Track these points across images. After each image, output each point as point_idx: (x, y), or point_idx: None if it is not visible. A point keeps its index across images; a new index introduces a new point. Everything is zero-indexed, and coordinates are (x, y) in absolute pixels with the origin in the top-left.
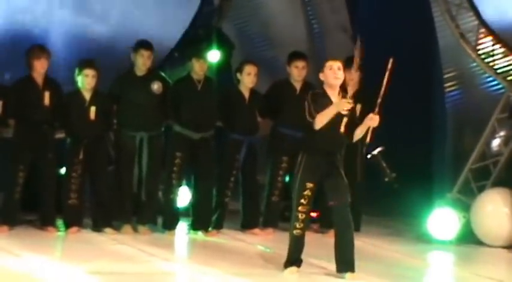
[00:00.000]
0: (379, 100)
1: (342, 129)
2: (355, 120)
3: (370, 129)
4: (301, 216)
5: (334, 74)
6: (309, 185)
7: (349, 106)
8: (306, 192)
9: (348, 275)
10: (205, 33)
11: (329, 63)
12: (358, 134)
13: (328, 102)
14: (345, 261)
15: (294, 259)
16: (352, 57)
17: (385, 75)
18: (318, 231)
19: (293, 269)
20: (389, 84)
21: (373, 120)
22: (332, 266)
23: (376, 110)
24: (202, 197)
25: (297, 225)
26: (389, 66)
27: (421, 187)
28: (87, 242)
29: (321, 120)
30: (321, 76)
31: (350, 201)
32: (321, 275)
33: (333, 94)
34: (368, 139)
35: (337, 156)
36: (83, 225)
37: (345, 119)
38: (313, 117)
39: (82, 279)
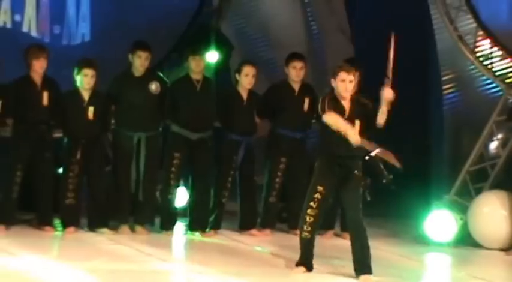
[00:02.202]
0: (390, 74)
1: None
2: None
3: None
4: (309, 219)
5: (345, 87)
6: (319, 188)
7: (358, 141)
8: (315, 195)
9: (362, 277)
10: (203, 33)
11: (342, 76)
12: (382, 116)
13: (340, 107)
14: (358, 263)
15: (303, 260)
16: (351, 59)
17: (389, 50)
18: (337, 235)
19: (300, 269)
20: (395, 58)
21: (387, 93)
22: (326, 266)
23: (389, 83)
24: (200, 197)
25: (305, 228)
26: (392, 42)
27: (418, 189)
28: (84, 242)
29: (332, 119)
30: (332, 83)
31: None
32: (320, 275)
33: (345, 99)
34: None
35: (351, 160)
36: (80, 225)
37: (357, 123)
38: (324, 111)
39: (79, 278)
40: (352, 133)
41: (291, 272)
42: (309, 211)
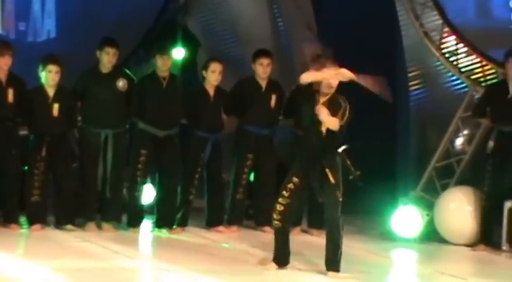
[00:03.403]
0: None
1: (324, 128)
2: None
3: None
4: (279, 207)
5: (328, 84)
6: (294, 179)
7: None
8: (289, 185)
9: (330, 273)
10: (170, 30)
11: None
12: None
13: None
14: (327, 260)
15: (276, 255)
16: (317, 56)
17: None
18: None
19: (271, 266)
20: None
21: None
22: (296, 264)
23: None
24: (166, 194)
25: (275, 217)
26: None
27: (385, 185)
28: (50, 239)
29: (308, 76)
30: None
31: (340, 201)
32: (290, 271)
33: (325, 97)
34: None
35: (324, 155)
36: (46, 222)
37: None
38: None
39: (45, 276)
40: (330, 73)
41: (263, 268)
42: (280, 200)
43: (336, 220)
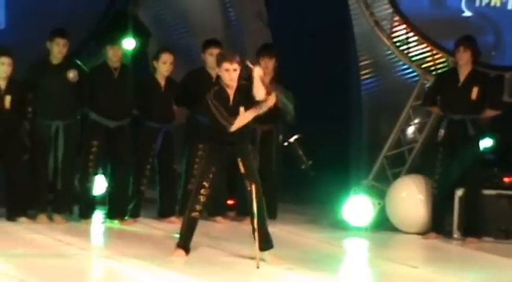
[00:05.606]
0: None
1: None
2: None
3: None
4: (202, 199)
5: (229, 76)
6: (212, 168)
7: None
8: (210, 175)
9: (267, 253)
10: (121, 20)
11: (225, 66)
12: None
13: (225, 96)
14: (261, 241)
15: (185, 242)
16: (267, 45)
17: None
18: (234, 219)
19: (180, 252)
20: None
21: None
22: (245, 252)
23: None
24: (118, 185)
25: (197, 208)
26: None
27: (337, 174)
28: (2, 232)
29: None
30: (218, 72)
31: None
32: (234, 259)
33: (231, 88)
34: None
35: (237, 145)
36: None
37: (241, 109)
38: (230, 123)
39: None
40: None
41: (171, 256)
42: (202, 191)
43: (259, 203)
